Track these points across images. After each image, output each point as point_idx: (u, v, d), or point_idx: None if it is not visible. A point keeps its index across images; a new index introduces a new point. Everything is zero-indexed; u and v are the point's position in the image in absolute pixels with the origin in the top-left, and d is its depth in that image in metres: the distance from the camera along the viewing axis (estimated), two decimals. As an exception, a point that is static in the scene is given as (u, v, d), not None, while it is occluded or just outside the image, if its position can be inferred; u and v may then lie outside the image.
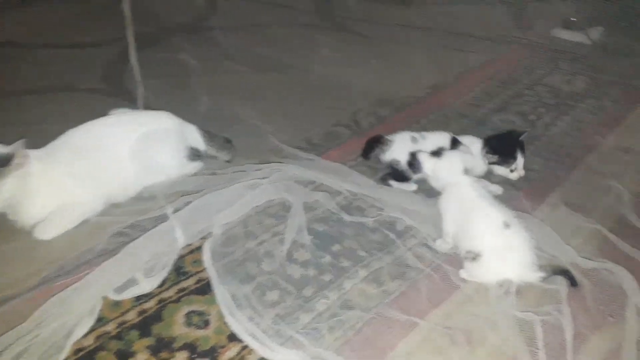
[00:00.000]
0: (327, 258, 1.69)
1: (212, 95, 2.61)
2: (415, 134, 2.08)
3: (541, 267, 1.55)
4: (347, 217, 1.87)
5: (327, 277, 1.61)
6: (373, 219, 1.86)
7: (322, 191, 1.99)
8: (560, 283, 1.54)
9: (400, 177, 2.01)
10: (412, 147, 2.01)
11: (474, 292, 1.56)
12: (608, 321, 1.43)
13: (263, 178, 1.95)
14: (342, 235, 1.79)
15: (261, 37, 3.46)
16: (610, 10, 3.07)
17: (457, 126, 2.42)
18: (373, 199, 1.95)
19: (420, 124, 2.49)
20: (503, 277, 1.54)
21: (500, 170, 2.00)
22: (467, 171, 1.71)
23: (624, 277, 1.50)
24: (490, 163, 1.99)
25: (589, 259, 1.59)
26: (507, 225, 1.54)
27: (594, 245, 1.71)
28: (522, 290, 1.53)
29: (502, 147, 1.98)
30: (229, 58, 3.05)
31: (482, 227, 1.56)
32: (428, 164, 1.77)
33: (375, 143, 2.13)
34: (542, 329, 1.40)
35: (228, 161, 2.16)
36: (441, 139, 2.04)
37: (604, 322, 1.43)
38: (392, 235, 1.79)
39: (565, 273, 1.55)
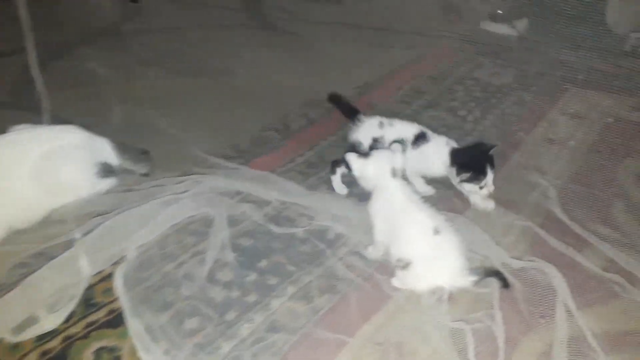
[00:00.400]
0: (253, 276, 1.58)
1: (126, 104, 2.44)
2: (384, 120, 1.99)
3: (473, 271, 1.50)
4: (275, 229, 1.77)
5: (252, 298, 1.51)
6: (303, 229, 1.77)
7: (248, 202, 1.87)
8: (493, 285, 1.50)
9: None
10: (378, 133, 1.95)
11: (406, 301, 1.50)
12: (539, 322, 1.39)
13: (182, 192, 1.81)
14: (269, 250, 1.69)
15: (186, 40, 3.30)
16: (535, 2, 3.10)
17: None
18: (303, 208, 1.85)
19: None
20: (434, 285, 1.48)
21: (469, 187, 1.81)
22: (395, 172, 1.61)
23: (554, 275, 1.47)
24: (462, 181, 1.81)
25: (518, 259, 1.55)
26: (437, 232, 1.48)
27: (527, 242, 1.69)
28: (454, 297, 1.48)
29: (472, 163, 1.79)
30: (147, 64, 2.87)
31: (411, 234, 1.49)
32: (355, 165, 1.65)
33: (355, 115, 2.05)
34: (474, 336, 1.35)
35: (145, 175, 2.01)
36: (409, 129, 1.94)
37: (536, 323, 1.39)
38: (322, 245, 1.70)
39: (496, 274, 1.51)
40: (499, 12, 3.17)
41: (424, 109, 2.51)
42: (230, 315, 1.45)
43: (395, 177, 1.60)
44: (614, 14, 2.81)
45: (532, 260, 1.55)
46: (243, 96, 2.64)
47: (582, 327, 1.35)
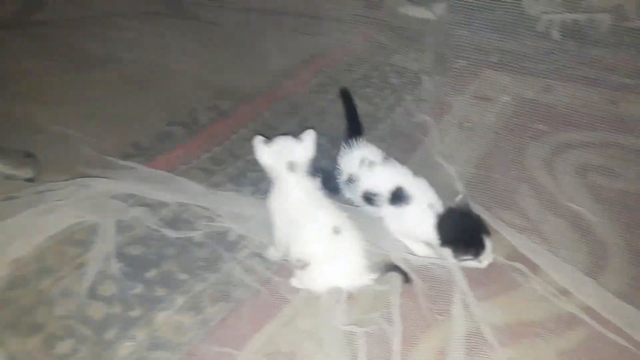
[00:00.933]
0: (139, 288, 1.45)
1: (8, 103, 2.21)
2: (368, 156, 1.62)
3: (373, 267, 1.43)
4: (170, 234, 1.64)
5: (135, 313, 1.38)
6: (200, 232, 1.64)
7: (143, 205, 1.73)
8: (394, 282, 1.43)
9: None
10: (354, 170, 1.62)
11: (303, 304, 1.41)
12: (437, 319, 1.33)
13: (64, 199, 1.65)
14: (161, 257, 1.56)
15: (92, 31, 3.06)
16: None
17: (303, 115, 2.27)
18: (203, 209, 1.72)
19: (264, 116, 2.30)
20: (333, 285, 1.40)
21: (468, 262, 1.49)
22: (293, 167, 1.44)
23: (453, 270, 1.42)
24: (456, 258, 1.48)
25: (418, 255, 1.49)
26: (337, 231, 1.39)
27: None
28: (354, 296, 1.41)
29: (468, 241, 1.47)
30: (41, 58, 2.64)
31: (309, 234, 1.40)
32: (258, 151, 1.45)
33: (354, 135, 1.68)
34: (371, 338, 1.29)
35: (30, 179, 1.83)
36: (385, 180, 1.57)
37: (434, 320, 1.34)
38: (220, 249, 1.58)
39: (397, 269, 1.44)
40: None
41: (339, 97, 2.41)
42: (109, 334, 1.32)
43: (293, 172, 1.45)
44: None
45: (431, 256, 1.48)
46: (148, 89, 2.47)
47: (479, 321, 1.30)
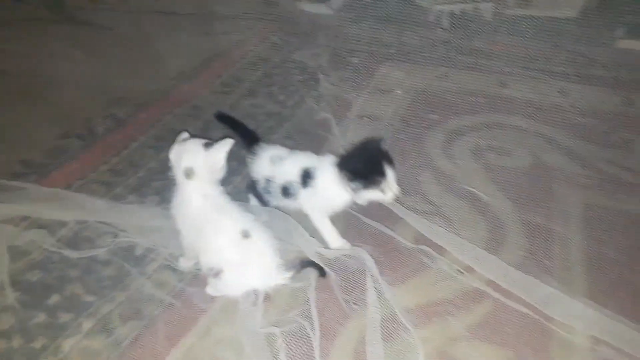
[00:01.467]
0: (41, 317, 1.36)
1: None
2: (277, 152, 1.61)
3: (287, 265, 1.44)
4: (71, 254, 1.54)
5: (38, 344, 1.29)
6: (104, 249, 1.56)
7: (39, 227, 1.62)
8: (309, 277, 1.45)
9: None
10: (269, 171, 1.59)
11: (220, 312, 1.39)
12: (353, 309, 1.36)
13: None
14: (64, 280, 1.47)
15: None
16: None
17: (206, 118, 2.22)
18: (105, 224, 1.64)
19: (164, 121, 2.22)
20: (249, 288, 1.39)
21: (370, 195, 1.48)
22: (189, 173, 1.36)
23: (365, 260, 1.46)
24: (356, 191, 1.48)
25: (329, 249, 1.51)
26: (246, 235, 1.37)
27: (342, 225, 1.65)
28: (270, 297, 1.41)
29: (362, 167, 1.47)
30: None
31: (217, 242, 1.37)
32: (172, 149, 1.39)
33: (253, 144, 1.65)
34: (291, 337, 1.29)
35: None
36: (294, 167, 1.56)
37: (351, 310, 1.37)
38: (127, 265, 1.51)
39: (312, 264, 1.46)
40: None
41: (243, 97, 2.39)
42: (11, 371, 1.22)
43: (190, 179, 1.38)
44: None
45: (342, 249, 1.52)
46: (37, 102, 2.30)
47: (392, 306, 1.35)
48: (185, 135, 1.42)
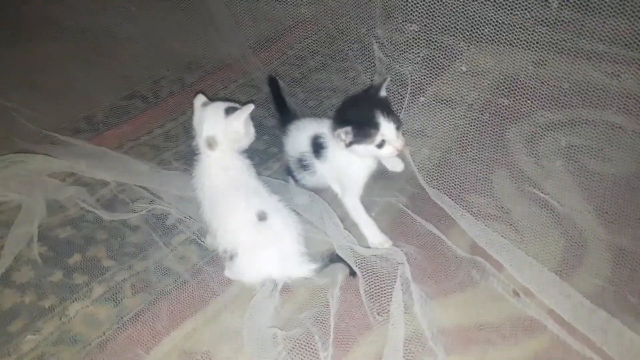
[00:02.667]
0: (58, 275, 1.33)
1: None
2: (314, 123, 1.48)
3: (314, 256, 1.28)
4: (105, 216, 1.51)
5: (48, 302, 1.26)
6: (137, 214, 1.51)
7: (82, 184, 1.61)
8: (336, 274, 1.28)
9: None
10: (304, 147, 1.46)
11: (233, 298, 1.27)
12: (376, 319, 1.18)
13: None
14: (89, 241, 1.44)
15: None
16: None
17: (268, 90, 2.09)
18: (143, 189, 1.58)
19: (229, 89, 2.14)
20: (265, 276, 1.26)
21: (366, 150, 1.30)
22: (211, 143, 1.27)
23: (400, 262, 1.25)
24: (349, 145, 1.30)
25: (364, 246, 1.32)
26: (262, 217, 1.24)
27: (386, 220, 1.46)
28: (291, 289, 1.26)
29: (352, 114, 1.30)
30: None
31: (232, 222, 1.24)
32: (195, 114, 1.33)
33: (288, 122, 1.55)
34: (296, 343, 1.14)
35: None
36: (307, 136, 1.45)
37: (375, 321, 1.18)
38: (154, 234, 1.45)
39: (342, 260, 1.29)
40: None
41: (312, 71, 2.24)
42: (15, 326, 1.21)
43: (211, 150, 1.29)
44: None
45: (380, 249, 1.32)
46: (109, 60, 2.31)
47: (424, 323, 1.14)
48: (202, 99, 1.31)
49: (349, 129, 1.28)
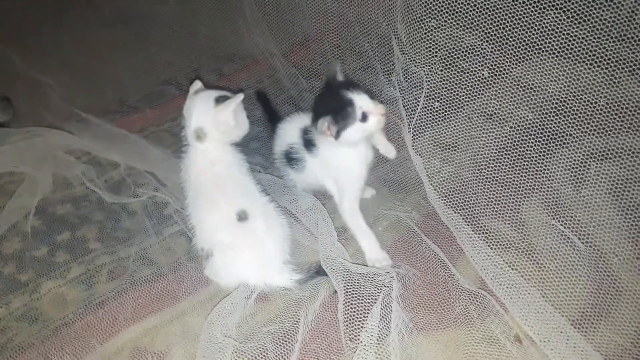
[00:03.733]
0: (42, 251, 1.31)
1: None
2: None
3: (301, 266, 1.17)
4: (107, 197, 1.49)
5: (24, 277, 1.24)
6: (137, 199, 1.48)
7: (96, 164, 1.61)
8: (317, 288, 1.16)
9: None
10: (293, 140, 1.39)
11: (206, 299, 1.19)
12: (347, 346, 1.04)
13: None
14: (84, 221, 1.42)
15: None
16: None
17: (301, 87, 2.01)
18: (151, 175, 1.55)
19: (263, 84, 2.07)
20: (241, 280, 1.16)
21: (355, 132, 1.22)
22: (200, 135, 1.19)
23: (387, 285, 1.11)
24: (338, 136, 1.22)
25: (357, 263, 1.19)
26: (242, 217, 1.14)
27: (393, 237, 1.33)
28: (268, 299, 1.16)
29: (324, 106, 1.24)
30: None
31: (210, 220, 1.16)
32: (186, 101, 1.25)
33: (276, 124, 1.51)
34: (256, 354, 1.03)
35: (3, 123, 1.77)
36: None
37: (346, 347, 1.05)
38: (148, 222, 1.40)
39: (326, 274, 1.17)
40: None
41: (359, 70, 2.12)
42: (-14, 296, 1.19)
43: (201, 141, 1.20)
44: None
45: (374, 267, 1.19)
46: (155, 46, 2.33)
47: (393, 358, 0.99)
48: (198, 85, 1.24)
49: (328, 118, 1.20)
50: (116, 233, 1.38)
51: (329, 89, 1.28)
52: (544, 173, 1.47)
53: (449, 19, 1.45)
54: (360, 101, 1.20)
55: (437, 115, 1.43)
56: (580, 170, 1.45)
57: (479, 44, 1.46)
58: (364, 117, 1.20)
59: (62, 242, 1.34)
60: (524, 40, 1.50)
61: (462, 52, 1.47)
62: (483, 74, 1.58)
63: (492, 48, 1.42)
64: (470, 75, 1.44)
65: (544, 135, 1.55)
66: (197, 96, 1.22)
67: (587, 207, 1.26)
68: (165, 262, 1.29)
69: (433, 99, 1.48)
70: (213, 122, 1.18)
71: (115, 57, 2.21)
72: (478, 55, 1.43)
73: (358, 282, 1.12)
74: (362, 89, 1.22)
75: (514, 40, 1.43)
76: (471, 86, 1.49)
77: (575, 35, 1.88)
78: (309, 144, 1.31)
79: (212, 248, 1.16)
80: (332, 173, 1.31)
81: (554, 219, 1.27)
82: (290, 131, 1.37)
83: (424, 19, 1.48)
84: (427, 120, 1.42)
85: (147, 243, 1.35)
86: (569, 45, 1.57)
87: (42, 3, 2.71)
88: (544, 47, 1.76)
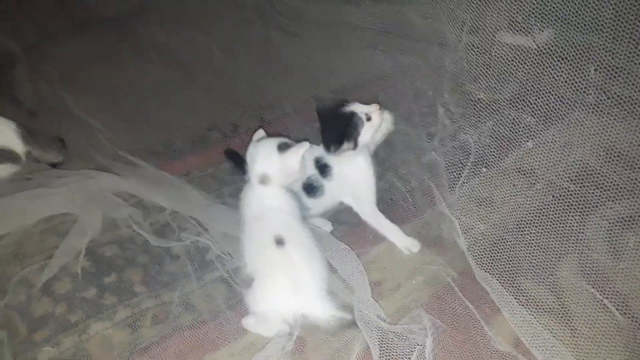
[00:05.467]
0: (91, 292, 1.38)
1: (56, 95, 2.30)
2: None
3: (337, 302, 1.21)
4: (152, 240, 1.56)
5: (74, 317, 1.31)
6: (180, 244, 1.54)
7: (142, 207, 1.69)
8: (357, 340, 1.19)
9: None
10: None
11: (246, 348, 1.23)
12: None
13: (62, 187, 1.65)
14: (130, 263, 1.49)
15: (181, 32, 3.16)
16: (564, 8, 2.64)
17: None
18: (194, 220, 1.62)
19: (303, 132, 2.15)
20: (280, 309, 1.20)
21: (367, 131, 1.42)
22: (265, 180, 1.31)
23: (419, 347, 1.13)
24: (356, 144, 1.42)
25: (394, 324, 1.21)
26: (280, 242, 1.21)
27: (429, 292, 1.35)
28: (305, 349, 1.19)
29: (330, 128, 1.43)
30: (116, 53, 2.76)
31: (252, 247, 1.26)
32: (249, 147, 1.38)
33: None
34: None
35: (57, 164, 1.88)
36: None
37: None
38: (190, 267, 1.46)
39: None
40: (516, 20, 2.74)
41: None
42: (40, 335, 1.26)
43: (265, 185, 1.30)
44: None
45: (408, 324, 1.21)
46: (204, 92, 2.45)
47: None
48: (261, 133, 1.35)
49: (343, 139, 1.39)
50: (160, 277, 1.44)
51: (325, 116, 1.45)
52: (578, 236, 1.48)
53: (496, 93, 1.52)
54: (358, 108, 1.42)
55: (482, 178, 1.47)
56: (617, 238, 1.46)
57: (525, 117, 1.50)
58: (368, 117, 1.42)
59: (110, 284, 1.41)
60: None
61: (509, 123, 1.53)
62: (528, 145, 1.62)
63: (537, 121, 1.47)
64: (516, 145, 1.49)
65: (579, 197, 1.56)
66: (260, 143, 1.32)
67: (627, 277, 1.26)
68: (206, 308, 1.34)
69: (479, 164, 1.53)
70: (279, 167, 1.28)
71: (162, 101, 2.32)
72: (524, 127, 1.48)
73: (392, 341, 1.14)
74: (348, 101, 1.44)
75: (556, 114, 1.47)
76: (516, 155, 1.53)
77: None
78: (324, 170, 1.46)
79: (253, 273, 1.22)
80: (350, 186, 1.48)
81: (592, 286, 1.27)
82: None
83: (473, 92, 1.54)
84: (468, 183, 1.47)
85: (189, 288, 1.40)
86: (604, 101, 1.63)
87: (93, 45, 2.89)
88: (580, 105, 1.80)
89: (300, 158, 1.29)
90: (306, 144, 1.31)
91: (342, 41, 2.95)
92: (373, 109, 1.43)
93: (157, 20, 3.12)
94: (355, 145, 1.41)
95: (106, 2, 3.20)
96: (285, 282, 1.18)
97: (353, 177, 1.48)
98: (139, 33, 3.03)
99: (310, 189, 1.48)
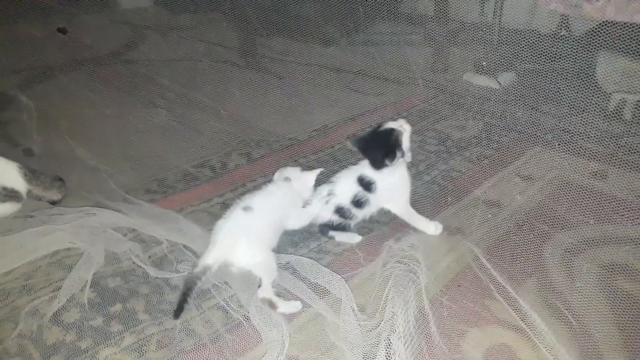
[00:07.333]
0: (98, 321, 1.49)
1: (55, 135, 2.45)
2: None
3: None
4: (151, 272, 1.67)
5: (84, 344, 1.41)
6: (179, 274, 1.66)
7: (140, 240, 1.80)
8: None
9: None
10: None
11: (243, 369, 1.35)
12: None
13: (66, 223, 1.77)
14: (132, 294, 1.60)
15: (168, 72, 3.35)
16: (524, 55, 2.91)
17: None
18: (191, 252, 1.75)
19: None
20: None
21: (407, 140, 1.77)
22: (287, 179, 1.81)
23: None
24: (404, 152, 1.76)
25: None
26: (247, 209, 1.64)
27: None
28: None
29: (375, 147, 1.76)
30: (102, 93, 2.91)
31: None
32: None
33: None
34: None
35: (57, 202, 2.00)
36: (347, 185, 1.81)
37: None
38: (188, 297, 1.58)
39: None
40: (484, 63, 3.01)
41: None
42: (52, 361, 1.36)
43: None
44: (604, 69, 2.59)
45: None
46: (193, 130, 2.61)
47: None
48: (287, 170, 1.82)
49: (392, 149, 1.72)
50: (161, 305, 1.56)
51: (367, 141, 1.79)
52: (537, 261, 1.67)
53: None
54: (392, 124, 1.76)
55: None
56: (572, 256, 1.64)
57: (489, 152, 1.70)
58: (402, 129, 1.74)
59: (115, 312, 1.52)
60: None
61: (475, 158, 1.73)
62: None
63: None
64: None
65: (536, 227, 1.77)
66: (286, 169, 1.84)
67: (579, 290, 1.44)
68: (206, 333, 1.46)
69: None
70: (298, 179, 1.79)
71: (155, 139, 2.47)
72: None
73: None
74: (378, 127, 1.80)
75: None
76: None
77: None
78: (368, 187, 1.76)
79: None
80: (393, 194, 1.78)
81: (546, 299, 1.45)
82: (346, 187, 1.79)
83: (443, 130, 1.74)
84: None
85: (188, 315, 1.52)
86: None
87: (86, 84, 3.05)
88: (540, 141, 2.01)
89: (314, 177, 1.82)
90: (320, 169, 1.85)
91: (322, 82, 3.17)
92: (402, 122, 1.75)
93: (145, 61, 3.31)
94: (403, 153, 1.74)
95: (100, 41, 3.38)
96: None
97: (396, 186, 1.78)
98: (130, 72, 3.21)
99: (359, 204, 1.77)
